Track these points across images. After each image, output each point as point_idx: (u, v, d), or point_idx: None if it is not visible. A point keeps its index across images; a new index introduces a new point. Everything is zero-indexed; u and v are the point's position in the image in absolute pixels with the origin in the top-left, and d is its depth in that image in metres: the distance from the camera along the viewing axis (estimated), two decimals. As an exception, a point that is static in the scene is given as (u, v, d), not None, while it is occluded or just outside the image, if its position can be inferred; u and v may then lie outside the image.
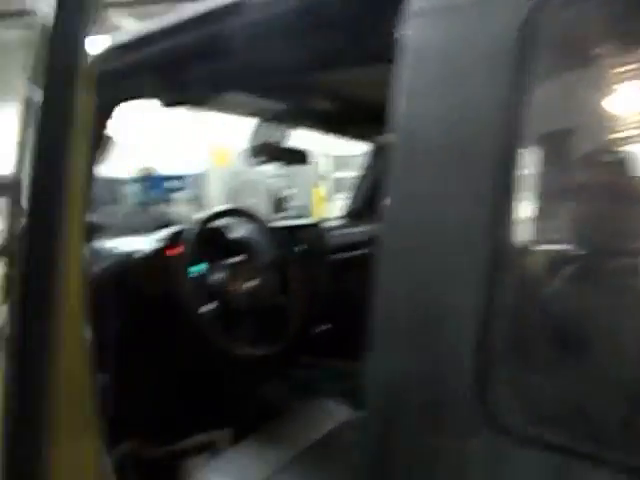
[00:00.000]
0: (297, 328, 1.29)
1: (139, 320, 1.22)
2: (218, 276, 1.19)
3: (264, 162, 1.54)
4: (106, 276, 1.15)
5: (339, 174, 8.82)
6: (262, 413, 1.59)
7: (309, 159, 1.64)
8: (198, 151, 7.76)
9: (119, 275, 1.16)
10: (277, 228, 1.43)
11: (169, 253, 1.27)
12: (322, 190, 8.39)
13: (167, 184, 8.42)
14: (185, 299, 1.15)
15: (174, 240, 1.29)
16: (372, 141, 2.03)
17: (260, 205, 6.59)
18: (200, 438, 1.56)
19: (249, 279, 1.22)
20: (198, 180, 8.09)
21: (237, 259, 1.25)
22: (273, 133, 1.73)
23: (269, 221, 1.43)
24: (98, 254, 1.18)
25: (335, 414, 1.30)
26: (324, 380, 1.70)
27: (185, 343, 1.32)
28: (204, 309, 1.10)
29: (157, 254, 1.22)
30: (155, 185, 8.10)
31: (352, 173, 8.71)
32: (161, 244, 1.25)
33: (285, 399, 1.60)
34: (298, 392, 1.65)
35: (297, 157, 1.59)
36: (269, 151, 1.51)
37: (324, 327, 1.60)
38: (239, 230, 1.47)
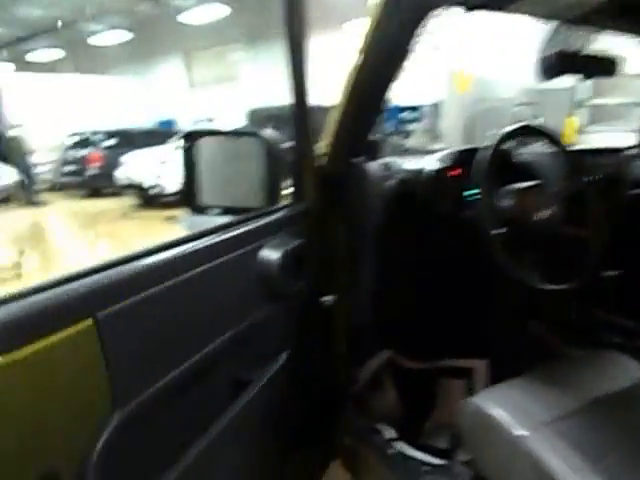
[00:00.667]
0: (593, 267, 1.12)
1: (423, 236, 1.24)
2: (508, 202, 1.09)
3: (558, 74, 1.32)
4: (397, 190, 1.18)
5: (599, 101, 7.47)
6: (530, 352, 1.49)
7: (617, 69, 1.35)
8: (436, 80, 7.46)
9: (409, 191, 1.18)
10: (574, 152, 1.22)
11: (452, 174, 1.22)
12: (576, 120, 7.24)
13: (403, 115, 8.47)
14: (474, 221, 1.10)
15: (458, 161, 1.23)
16: None
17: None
18: (458, 362, 1.56)
19: (542, 207, 1.09)
20: (434, 110, 7.88)
21: (529, 184, 1.12)
22: (572, 40, 1.46)
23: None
24: (388, 169, 1.21)
25: (630, 371, 1.11)
26: (608, 331, 1.49)
27: (465, 265, 1.30)
28: (494, 232, 1.02)
29: (440, 174, 1.18)
30: (390, 116, 8.22)
31: (615, 100, 7.21)
32: (445, 164, 1.21)
33: (558, 342, 1.46)
34: (575, 338, 1.49)
35: (603, 67, 1.32)
36: (568, 60, 1.28)
37: (614, 272, 1.38)
38: (529, 153, 1.33)
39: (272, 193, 0.97)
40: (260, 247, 0.88)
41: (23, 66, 13.90)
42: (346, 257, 1.17)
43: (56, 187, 9.89)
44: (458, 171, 1.25)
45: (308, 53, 0.99)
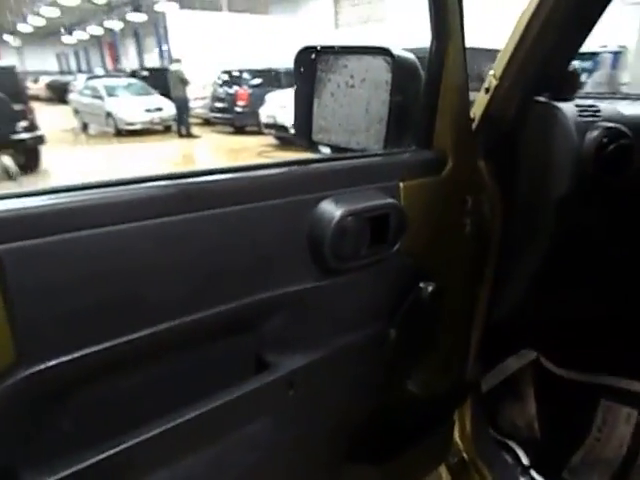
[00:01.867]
0: None
1: (630, 216, 0.85)
2: None
3: None
4: (605, 145, 0.79)
5: None
6: None
7: None
8: (618, 21, 6.17)
9: (625, 147, 0.79)
10: None
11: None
12: None
13: (577, 63, 7.25)
14: None
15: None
16: None
17: None
18: (629, 384, 1.19)
19: None
20: (616, 59, 6.62)
21: None
22: None
23: None
24: (592, 114, 0.83)
25: None
26: None
27: None
28: None
29: None
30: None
31: None
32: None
33: None
34: None
35: None
36: None
37: None
38: None
39: (400, 131, 0.71)
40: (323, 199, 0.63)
41: (186, 3, 14.74)
42: (496, 237, 0.85)
43: (207, 122, 10.51)
44: None
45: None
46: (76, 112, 10.83)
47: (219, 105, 10.08)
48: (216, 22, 12.63)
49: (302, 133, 0.80)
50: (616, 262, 0.94)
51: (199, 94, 10.35)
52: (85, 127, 10.63)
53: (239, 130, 9.89)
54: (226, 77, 10.36)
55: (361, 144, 0.77)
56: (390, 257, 0.68)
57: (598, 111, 0.84)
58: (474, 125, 0.84)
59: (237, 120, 9.82)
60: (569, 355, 1.23)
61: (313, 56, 0.79)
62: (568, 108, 0.83)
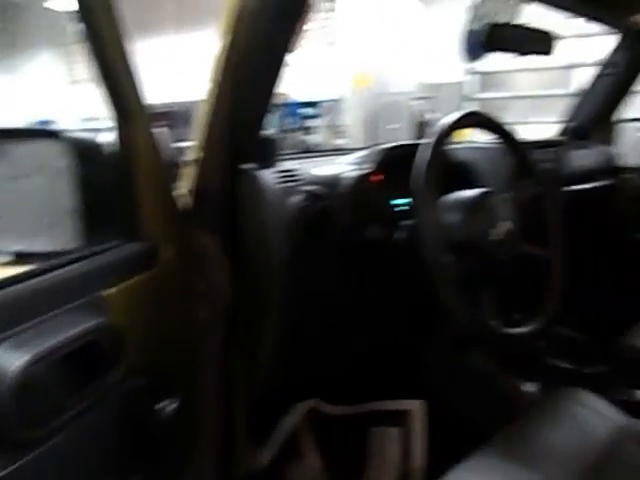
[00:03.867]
0: (559, 296, 0.88)
1: (343, 265, 0.90)
2: (455, 217, 0.81)
3: (488, 51, 1.07)
4: (306, 209, 0.82)
5: (486, 95, 7.79)
6: (470, 388, 1.26)
7: (553, 46, 1.14)
8: (336, 76, 7.33)
9: (322, 208, 0.83)
10: (523, 146, 0.96)
11: (373, 179, 0.92)
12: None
13: (302, 111, 8.22)
14: (410, 244, 0.81)
15: (381, 163, 0.93)
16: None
17: (401, 130, 6.07)
18: (392, 404, 1.30)
19: (497, 222, 0.82)
20: (335, 106, 7.74)
21: (478, 192, 0.85)
22: (499, 11, 1.24)
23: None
24: (292, 178, 0.86)
25: (607, 418, 0.90)
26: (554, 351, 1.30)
27: (395, 296, 1.01)
28: (443, 262, 0.74)
29: (361, 183, 0.87)
30: (290, 112, 7.95)
31: (501, 93, 7.69)
32: (367, 168, 0.90)
33: (501, 374, 1.24)
34: (517, 364, 1.28)
35: (539, 42, 1.10)
36: (500, 34, 1.04)
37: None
38: (463, 148, 1.06)
39: (97, 226, 0.59)
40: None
41: None
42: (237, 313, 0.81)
43: None
44: (380, 177, 0.96)
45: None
46: None
47: None
48: None
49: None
50: (352, 308, 1.01)
51: None
52: None
53: None
54: None
55: (49, 246, 0.62)
56: (111, 390, 0.55)
57: (297, 175, 0.87)
58: (191, 201, 0.79)
59: None
60: (340, 393, 1.27)
61: None
62: (269, 175, 0.83)
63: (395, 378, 1.27)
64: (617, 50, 1.64)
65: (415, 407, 1.27)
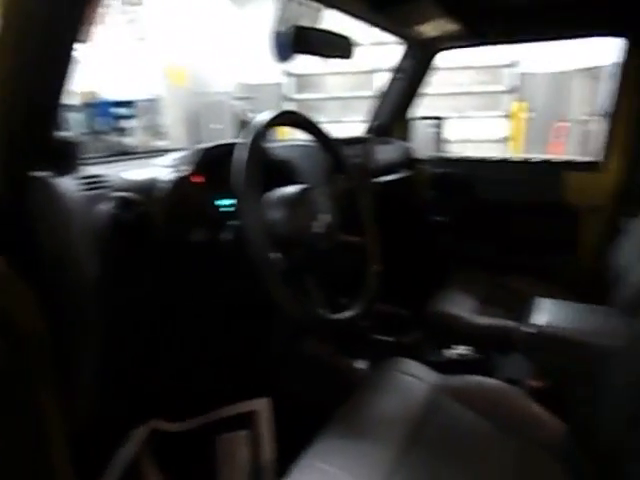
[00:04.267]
0: (377, 278, 0.96)
1: (163, 273, 0.85)
2: (277, 214, 0.83)
3: (295, 53, 1.13)
4: (116, 218, 0.75)
5: (302, 96, 8.22)
6: (311, 375, 1.32)
7: (352, 51, 1.25)
8: (150, 73, 6.92)
9: (136, 216, 0.77)
10: (336, 143, 1.03)
11: (194, 181, 0.89)
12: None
13: (115, 111, 7.59)
14: (235, 244, 0.80)
15: (201, 164, 0.90)
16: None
17: (224, 130, 6.03)
18: (236, 408, 1.28)
19: (318, 216, 0.87)
20: (152, 105, 7.32)
21: (298, 188, 0.88)
22: (302, 15, 1.31)
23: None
24: (98, 185, 0.77)
25: (423, 377, 1.03)
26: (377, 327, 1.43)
27: (223, 298, 0.99)
28: (269, 259, 0.75)
29: (182, 185, 0.83)
30: (101, 112, 7.28)
31: (315, 95, 8.19)
32: (186, 170, 0.86)
33: (335, 356, 1.32)
34: (347, 341, 1.37)
35: (341, 47, 1.19)
36: (305, 38, 1.10)
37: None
38: (279, 147, 1.09)
39: None
40: None
41: None
42: (43, 343, 0.70)
43: None
44: (201, 178, 0.93)
45: None
46: None
47: None
48: None
49: None
50: (180, 313, 0.96)
51: None
52: None
53: None
54: None
55: None
56: None
57: (105, 181, 0.79)
58: None
59: None
60: (180, 408, 1.21)
61: None
62: (69, 182, 0.74)
63: (239, 380, 1.26)
64: (404, 58, 1.87)
65: (261, 406, 1.28)
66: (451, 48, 1.86)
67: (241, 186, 0.78)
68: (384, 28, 1.61)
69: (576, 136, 6.99)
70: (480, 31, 1.71)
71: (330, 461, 0.81)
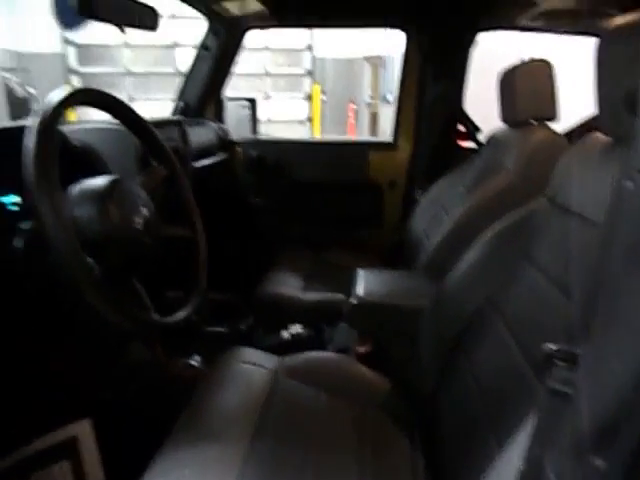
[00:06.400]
0: (206, 268, 0.90)
1: None
2: (87, 211, 0.69)
3: (88, 19, 0.97)
4: None
5: (93, 69, 7.31)
6: (136, 382, 1.21)
7: (157, 23, 1.13)
8: None
9: None
10: (146, 127, 0.90)
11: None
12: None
13: None
14: (35, 252, 0.65)
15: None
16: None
17: (-6, 108, 5.01)
18: (53, 437, 1.11)
19: (136, 209, 0.75)
20: None
21: (108, 179, 0.75)
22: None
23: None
24: None
25: (262, 363, 1.03)
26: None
27: (24, 316, 0.82)
28: (77, 266, 0.63)
29: None
30: None
31: (109, 68, 7.39)
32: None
33: (164, 356, 1.21)
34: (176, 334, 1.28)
35: (143, 17, 1.06)
36: (95, 2, 0.95)
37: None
38: (86, 132, 0.92)
39: None
40: None
41: None
42: None
43: None
44: None
45: None
46: None
47: None
48: None
49: None
50: None
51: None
52: None
53: None
54: None
55: None
56: None
57: None
58: None
59: None
60: None
61: None
62: None
63: (55, 405, 1.08)
64: (207, 34, 1.79)
65: (80, 429, 1.12)
66: (259, 27, 1.84)
67: (33, 179, 0.63)
68: (187, 1, 1.51)
69: (364, 117, 7.78)
70: (282, 13, 1.74)
71: (179, 469, 0.75)
